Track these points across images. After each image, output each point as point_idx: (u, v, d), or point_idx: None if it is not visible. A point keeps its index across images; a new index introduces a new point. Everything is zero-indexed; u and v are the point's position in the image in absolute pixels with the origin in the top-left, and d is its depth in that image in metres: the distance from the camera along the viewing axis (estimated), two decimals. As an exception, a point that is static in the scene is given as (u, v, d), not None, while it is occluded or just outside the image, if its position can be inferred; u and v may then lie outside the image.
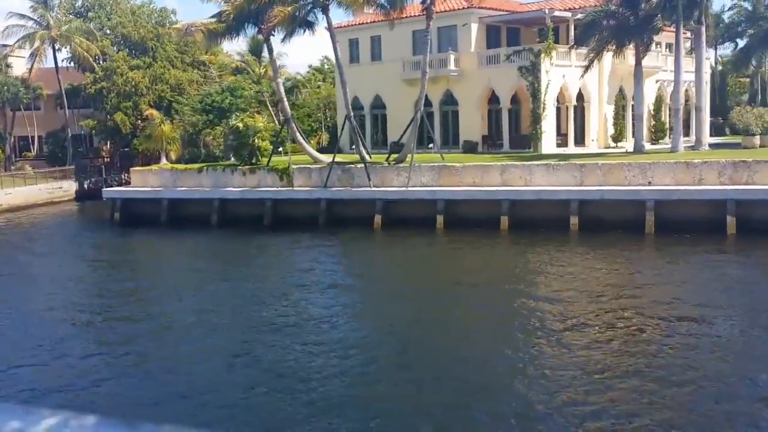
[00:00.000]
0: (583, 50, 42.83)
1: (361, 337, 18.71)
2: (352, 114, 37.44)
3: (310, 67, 71.66)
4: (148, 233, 37.49)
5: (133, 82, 53.80)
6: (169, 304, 22.78)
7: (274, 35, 37.29)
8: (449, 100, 44.87)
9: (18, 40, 55.56)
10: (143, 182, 40.60)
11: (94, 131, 57.00)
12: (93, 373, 16.22)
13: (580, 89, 43.03)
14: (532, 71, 40.36)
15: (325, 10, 34.83)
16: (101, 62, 57.24)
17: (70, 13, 59.38)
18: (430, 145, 42.61)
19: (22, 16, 55.43)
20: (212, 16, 37.26)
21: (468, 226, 32.73)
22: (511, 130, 43.75)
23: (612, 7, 36.02)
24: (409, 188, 34.56)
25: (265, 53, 58.74)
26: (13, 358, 17.44)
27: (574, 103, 43.02)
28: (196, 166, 40.24)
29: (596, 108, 44.29)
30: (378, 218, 34.62)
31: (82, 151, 62.64)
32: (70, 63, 60.59)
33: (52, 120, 68.50)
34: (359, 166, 36.47)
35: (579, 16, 42.44)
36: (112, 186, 59.38)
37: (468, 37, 43.39)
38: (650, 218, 29.94)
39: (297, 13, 33.47)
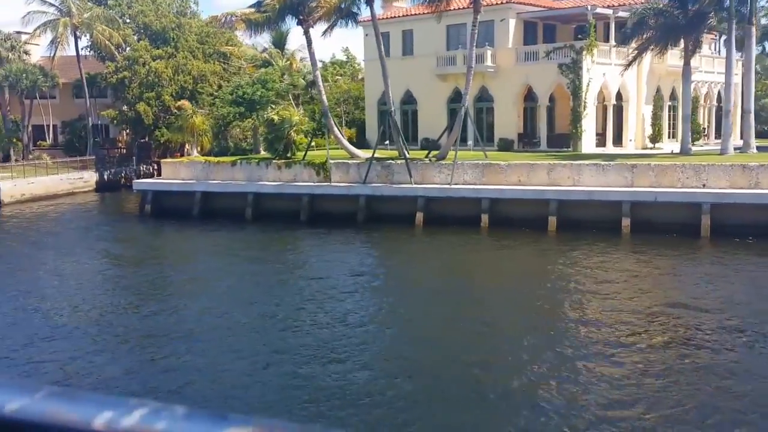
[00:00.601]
0: (623, 48, 42.24)
1: (399, 344, 17.83)
2: (393, 109, 36.50)
3: (321, 62, 70.60)
4: (182, 226, 36.70)
5: (156, 72, 52.84)
6: (216, 301, 21.95)
7: (313, 27, 36.45)
8: (484, 96, 44.07)
9: (39, 27, 54.45)
10: (174, 174, 39.73)
11: (115, 121, 55.86)
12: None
13: (618, 88, 42.28)
14: (572, 69, 39.61)
15: (369, 1, 33.96)
16: (122, 51, 56.19)
17: (89, 1, 58.31)
18: (469, 143, 41.96)
19: (43, 1, 54.39)
20: (251, 6, 36.35)
21: (513, 225, 31.97)
22: (548, 128, 42.99)
23: (660, 5, 35.17)
24: (453, 185, 33.78)
25: (289, 45, 58.68)
26: (83, 351, 16.68)
27: (614, 102, 42.25)
28: (229, 159, 39.39)
29: (634, 108, 43.55)
30: (420, 216, 33.84)
31: (99, 141, 61.76)
32: (89, 52, 59.63)
33: (67, 109, 67.50)
34: (399, 162, 35.68)
35: (620, 13, 41.69)
36: (131, 177, 58.83)
37: (505, 33, 42.58)
38: (706, 222, 29.23)
39: (342, 4, 32.50)
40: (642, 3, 39.77)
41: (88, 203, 48.26)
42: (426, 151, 37.82)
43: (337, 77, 66.17)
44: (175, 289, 24.00)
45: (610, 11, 40.96)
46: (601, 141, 41.87)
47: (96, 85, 61.75)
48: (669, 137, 45.43)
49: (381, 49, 35.93)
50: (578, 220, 31.27)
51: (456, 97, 45.42)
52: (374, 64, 49.07)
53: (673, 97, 46.19)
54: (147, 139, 55.29)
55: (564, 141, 41.22)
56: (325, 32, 36.92)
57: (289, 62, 56.05)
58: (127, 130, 66.49)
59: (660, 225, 29.87)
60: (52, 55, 55.21)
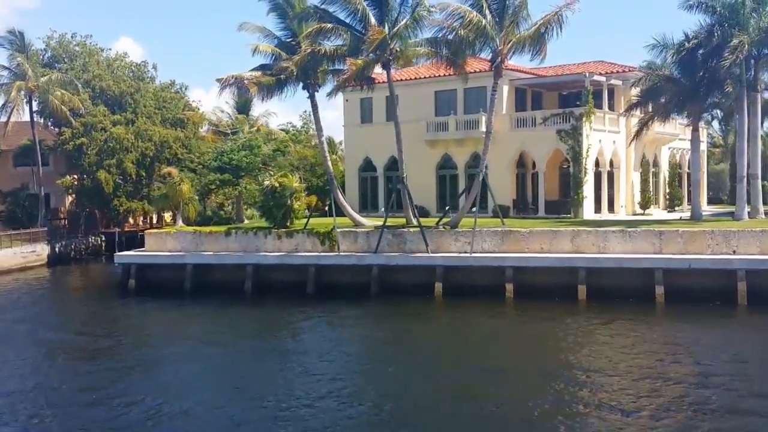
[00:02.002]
0: (613, 116, 42.52)
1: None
2: (405, 175, 35.04)
3: (290, 126, 69.16)
4: (173, 304, 33.48)
5: (117, 139, 49.82)
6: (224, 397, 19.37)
7: (318, 91, 34.97)
8: (476, 162, 43.02)
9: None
10: (160, 246, 36.76)
11: (70, 190, 52.05)
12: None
13: (611, 155, 42.36)
14: (572, 135, 39.37)
15: (386, 65, 32.75)
16: (77, 117, 52.85)
17: (39, 65, 54.92)
18: (474, 209, 40.65)
19: (-1, 65, 50.83)
20: (254, 69, 34.51)
21: (540, 295, 30.68)
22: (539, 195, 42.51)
23: (666, 72, 35.48)
24: (473, 254, 32.34)
25: (254, 111, 56.72)
26: None
27: (608, 168, 42.21)
28: (221, 228, 36.83)
29: (624, 174, 43.64)
30: (439, 286, 32.20)
31: (35, 212, 57.51)
32: (39, 117, 55.95)
33: (5, 178, 63.06)
34: (411, 230, 34.07)
35: (613, 81, 42.11)
36: (80, 250, 54.81)
37: (499, 99, 41.97)
38: (742, 288, 28.76)
39: (365, 69, 31.18)
40: (629, 71, 40.38)
41: (51, 279, 44.28)
42: (436, 219, 36.33)
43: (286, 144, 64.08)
44: (176, 388, 19.79)
45: (603, 78, 41.22)
46: (596, 207, 41.54)
47: (41, 153, 57.99)
48: (653, 203, 45.72)
49: (396, 113, 34.59)
50: (608, 289, 30.29)
51: (446, 164, 44.59)
52: (354, 129, 48.09)
53: (655, 164, 46.71)
54: (102, 209, 51.64)
55: (561, 207, 40.68)
56: (330, 94, 35.40)
57: (257, 127, 54.17)
58: (71, 200, 62.74)
59: (694, 293, 29.20)
60: (6, 119, 51.12)
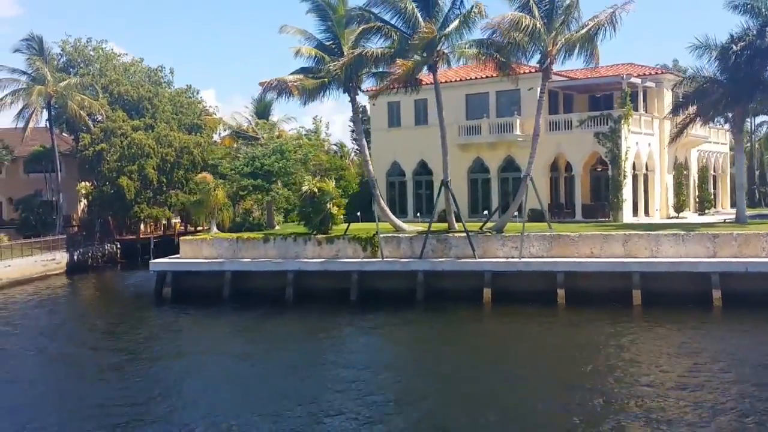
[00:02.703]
0: (647, 117, 42.10)
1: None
2: (449, 179, 34.39)
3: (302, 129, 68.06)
4: (213, 312, 32.69)
5: (138, 144, 48.93)
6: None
7: (359, 94, 34.36)
8: (509, 166, 42.70)
9: (7, 95, 49.41)
10: (196, 253, 35.91)
11: (90, 197, 51.01)
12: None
13: (646, 158, 41.92)
14: (611, 137, 38.86)
15: (432, 67, 32.11)
16: (95, 123, 51.95)
17: (55, 70, 53.97)
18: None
19: (14, 69, 49.73)
20: (295, 72, 33.77)
21: (592, 300, 30.05)
22: (572, 197, 42.01)
23: (707, 74, 35.05)
24: (522, 259, 31.73)
25: (274, 116, 55.91)
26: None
27: (644, 171, 41.76)
28: (259, 234, 36.05)
29: (659, 177, 43.19)
30: (487, 292, 31.51)
31: (55, 219, 56.54)
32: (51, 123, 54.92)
33: (15, 185, 62.05)
34: (457, 235, 33.43)
35: (648, 83, 41.68)
36: (97, 257, 53.80)
37: (533, 102, 41.51)
38: (802, 291, 28.28)
39: (414, 71, 30.53)
40: (661, 73, 39.94)
41: (76, 288, 43.33)
42: (480, 223, 35.68)
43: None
44: (219, 404, 18.76)
45: (639, 81, 40.75)
46: (634, 210, 41.06)
47: (52, 160, 57.06)
48: (693, 205, 45.47)
49: (442, 116, 33.83)
50: (663, 293, 29.72)
51: (477, 167, 44.01)
52: (381, 134, 47.45)
53: (685, 166, 46.31)
54: (122, 216, 50.70)
55: (599, 211, 40.15)
56: (371, 97, 34.70)
57: (280, 132, 53.36)
58: (83, 207, 61.87)
59: (752, 297, 28.69)
60: (23, 125, 50.04)
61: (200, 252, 35.98)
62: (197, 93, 62.80)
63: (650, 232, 31.51)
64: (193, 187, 55.52)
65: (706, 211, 46.31)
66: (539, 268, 31.39)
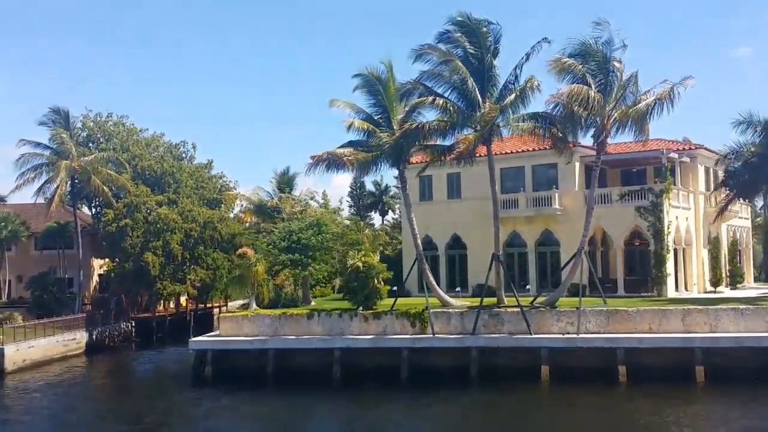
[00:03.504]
0: (684, 191, 42.08)
1: None
2: (501, 252, 33.78)
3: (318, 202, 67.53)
4: (257, 395, 31.30)
5: (163, 219, 48.21)
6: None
7: (407, 167, 34.07)
8: (547, 240, 42.28)
9: (29, 170, 48.64)
10: (236, 330, 34.80)
11: (112, 274, 49.76)
12: None
13: (684, 232, 41.72)
14: (652, 211, 38.66)
15: (488, 141, 31.98)
16: (117, 198, 51.29)
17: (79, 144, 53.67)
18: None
19: (37, 143, 49.19)
20: (343, 145, 33.49)
21: (654, 378, 29.21)
22: (610, 273, 41.50)
23: (752, 149, 35.21)
24: (581, 335, 30.95)
25: (297, 191, 55.63)
26: None
27: (682, 245, 41.47)
28: (303, 310, 35.08)
29: (695, 251, 42.92)
30: (545, 370, 30.63)
31: (69, 296, 55.18)
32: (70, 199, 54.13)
33: (26, 262, 60.68)
34: (509, 310, 32.68)
35: (684, 158, 41.83)
36: (114, 336, 52.19)
37: (571, 176, 41.57)
38: None
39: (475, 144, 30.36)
40: (695, 148, 40.01)
41: (103, 369, 41.85)
42: (531, 298, 34.97)
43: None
44: None
45: (676, 155, 40.89)
46: (675, 285, 40.57)
47: (67, 236, 56.17)
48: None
49: (495, 189, 33.72)
50: (726, 369, 29.02)
51: (513, 242, 43.48)
52: (413, 207, 46.94)
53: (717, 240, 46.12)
54: (144, 292, 49.54)
55: (641, 285, 39.59)
56: (420, 172, 34.48)
57: (302, 209, 52.97)
58: (95, 285, 60.68)
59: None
60: (48, 201, 49.10)
61: (240, 329, 34.88)
62: (213, 169, 62.53)
63: (708, 307, 30.94)
64: (211, 263, 54.85)
65: (738, 286, 45.94)
66: (599, 344, 30.60)
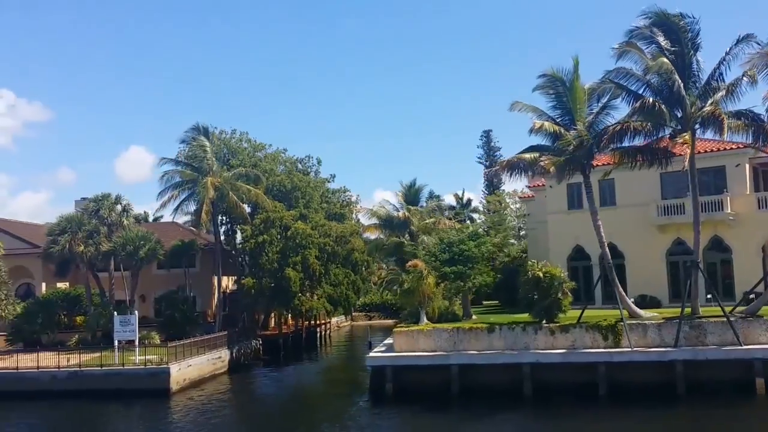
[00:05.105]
0: None
1: None
2: (699, 260, 31.83)
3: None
4: (443, 413, 29.89)
5: (302, 235, 47.42)
6: None
7: (591, 171, 32.44)
8: (716, 246, 40.06)
9: (168, 188, 48.43)
10: (411, 345, 33.48)
11: (252, 291, 49.03)
12: None
13: None
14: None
15: (692, 139, 30.06)
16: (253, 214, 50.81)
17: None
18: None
19: (177, 161, 49.03)
20: (525, 150, 32.08)
21: None
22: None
23: None
24: (802, 346, 28.78)
25: (423, 202, 54.40)
26: None
27: None
28: (481, 324, 33.59)
29: None
30: (760, 382, 28.54)
31: (198, 315, 54.75)
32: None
33: (147, 281, 60.56)
34: (711, 320, 30.66)
35: None
36: (249, 354, 51.55)
37: (742, 179, 39.37)
38: None
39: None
40: None
41: (264, 389, 41.15)
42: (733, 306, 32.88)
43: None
44: None
45: None
46: None
47: (191, 254, 55.95)
48: None
49: (696, 193, 31.57)
50: None
51: (677, 249, 41.34)
52: (560, 216, 45.31)
53: None
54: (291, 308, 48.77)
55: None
56: (604, 176, 32.87)
57: (434, 219, 51.71)
58: (216, 302, 60.33)
59: None
60: (195, 217, 48.76)
61: (416, 344, 33.53)
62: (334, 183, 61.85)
63: None
64: (333, 278, 54.00)
65: None
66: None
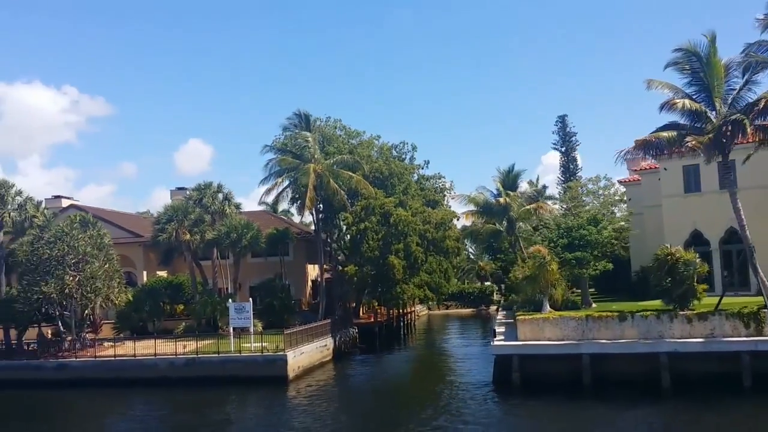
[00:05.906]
0: None
1: None
2: None
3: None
4: (577, 404, 28.85)
5: (404, 222, 46.80)
6: None
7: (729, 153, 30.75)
8: None
9: (271, 175, 48.37)
10: (536, 334, 32.53)
11: (355, 278, 48.74)
12: None
13: None
14: None
15: None
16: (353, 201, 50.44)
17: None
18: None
19: (277, 149, 48.99)
20: (658, 130, 30.66)
21: None
22: None
23: None
24: None
25: (521, 187, 53.09)
26: None
27: None
28: (611, 312, 32.37)
29: None
30: None
31: (291, 304, 54.66)
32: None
33: (242, 269, 60.92)
34: None
35: None
36: (346, 343, 51.31)
37: None
38: None
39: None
40: None
41: (381, 377, 40.88)
42: None
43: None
44: None
45: None
46: None
47: (285, 243, 55.88)
48: None
49: None
50: None
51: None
52: (676, 200, 43.60)
53: None
54: (388, 296, 48.33)
55: None
56: (745, 160, 31.23)
57: (536, 205, 50.54)
58: (309, 291, 60.45)
59: None
60: (299, 206, 48.73)
61: (541, 333, 32.54)
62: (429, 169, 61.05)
63: None
64: (429, 267, 53.24)
65: None
66: None
